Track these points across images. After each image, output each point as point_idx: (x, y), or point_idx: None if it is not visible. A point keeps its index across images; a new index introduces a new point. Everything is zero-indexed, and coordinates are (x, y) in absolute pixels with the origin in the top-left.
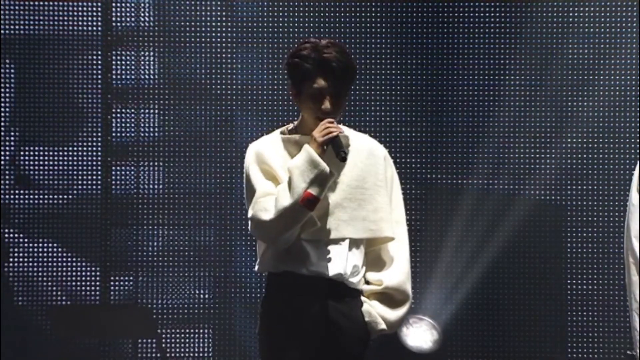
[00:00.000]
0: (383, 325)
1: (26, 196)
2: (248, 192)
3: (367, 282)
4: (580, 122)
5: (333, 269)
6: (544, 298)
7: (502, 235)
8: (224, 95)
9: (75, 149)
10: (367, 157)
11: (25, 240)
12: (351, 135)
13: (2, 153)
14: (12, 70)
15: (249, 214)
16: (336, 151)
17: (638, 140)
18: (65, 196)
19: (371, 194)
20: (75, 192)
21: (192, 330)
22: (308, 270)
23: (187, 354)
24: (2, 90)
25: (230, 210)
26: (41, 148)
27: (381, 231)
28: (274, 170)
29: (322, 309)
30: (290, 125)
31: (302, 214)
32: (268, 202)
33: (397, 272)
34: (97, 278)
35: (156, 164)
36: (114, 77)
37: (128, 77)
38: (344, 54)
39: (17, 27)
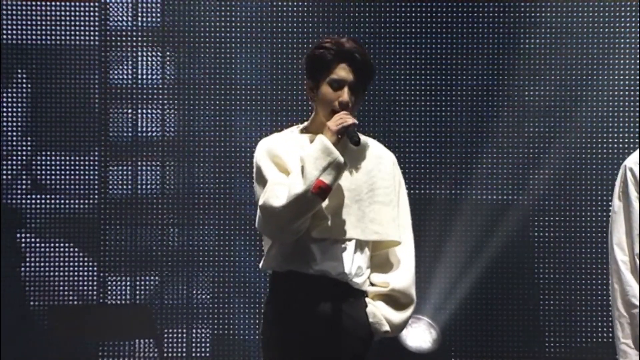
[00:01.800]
0: (387, 327)
1: (23, 197)
2: (259, 184)
3: (372, 284)
4: (579, 127)
5: (338, 269)
6: (538, 299)
7: (498, 238)
8: (223, 95)
9: (71, 150)
10: (377, 161)
11: (23, 240)
12: (361, 139)
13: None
14: (8, 74)
15: (260, 202)
16: (350, 137)
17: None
18: (63, 196)
19: (379, 197)
20: (73, 192)
21: (191, 330)
22: (313, 270)
23: (186, 354)
24: (4, 96)
25: (230, 210)
26: (36, 149)
27: (388, 235)
28: (286, 164)
29: (326, 309)
30: (301, 125)
31: (314, 203)
32: (279, 189)
33: (404, 275)
34: (96, 278)
35: (155, 164)
36: (111, 77)
37: (126, 77)
38: (364, 49)
39: (13, 31)
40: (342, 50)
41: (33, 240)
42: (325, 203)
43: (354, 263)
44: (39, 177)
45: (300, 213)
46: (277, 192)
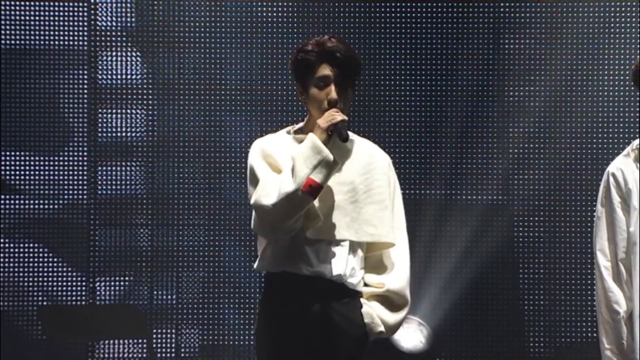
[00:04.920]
0: (382, 328)
1: (14, 197)
2: (252, 184)
3: (367, 285)
4: (571, 128)
5: (332, 271)
6: (530, 299)
7: (489, 239)
8: (213, 95)
9: (62, 149)
10: (371, 162)
11: (14, 242)
12: (356, 140)
13: None
14: None
15: (252, 201)
16: (338, 132)
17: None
18: (52, 197)
19: (374, 198)
20: (63, 193)
21: (181, 330)
22: (308, 271)
23: (176, 354)
24: None
25: (220, 210)
26: (29, 149)
27: (382, 236)
28: (279, 163)
29: (321, 309)
30: (296, 126)
31: (304, 201)
32: (270, 188)
33: (399, 277)
34: (86, 279)
35: (144, 164)
36: (100, 77)
37: (115, 77)
38: (346, 45)
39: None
40: (324, 51)
41: (23, 242)
42: (318, 204)
43: (348, 264)
44: (22, 178)
45: (291, 211)
46: (268, 191)
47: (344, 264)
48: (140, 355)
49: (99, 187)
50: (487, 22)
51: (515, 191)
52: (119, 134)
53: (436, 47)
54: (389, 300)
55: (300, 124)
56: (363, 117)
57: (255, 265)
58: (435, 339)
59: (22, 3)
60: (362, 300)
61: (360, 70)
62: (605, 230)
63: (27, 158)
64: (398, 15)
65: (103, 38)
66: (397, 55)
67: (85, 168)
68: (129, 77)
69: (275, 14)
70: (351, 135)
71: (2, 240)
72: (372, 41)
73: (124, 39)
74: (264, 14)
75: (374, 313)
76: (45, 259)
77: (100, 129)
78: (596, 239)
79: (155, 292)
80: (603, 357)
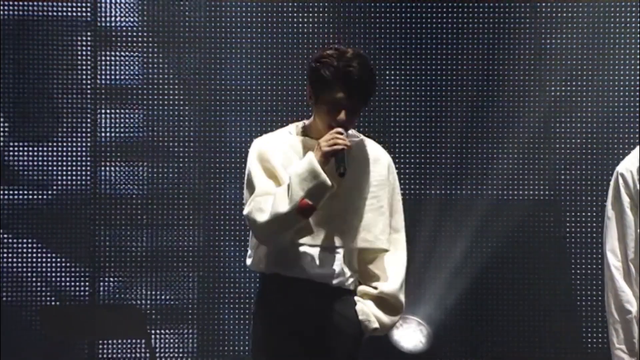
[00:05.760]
0: (376, 325)
1: (13, 195)
2: (248, 189)
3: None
4: (576, 125)
5: (324, 276)
6: (532, 299)
7: (492, 236)
8: (213, 96)
9: (63, 148)
10: (370, 165)
11: (13, 240)
12: (356, 143)
13: None
14: None
15: (245, 212)
16: (337, 165)
17: (638, 141)
18: (53, 196)
19: (371, 204)
20: (63, 191)
21: (181, 330)
22: (300, 274)
23: (176, 354)
24: None
25: (219, 211)
26: (28, 148)
27: (377, 243)
28: (275, 169)
29: (316, 307)
30: (301, 124)
31: (296, 222)
32: (265, 202)
33: (393, 281)
34: (86, 278)
35: (144, 164)
36: (102, 76)
37: (116, 76)
38: (367, 68)
39: (3, 24)
40: (344, 74)
41: (22, 240)
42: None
43: (341, 269)
44: (23, 178)
45: (282, 229)
46: (262, 205)
47: (335, 270)
48: (140, 355)
49: (100, 187)
50: (487, 22)
51: (518, 188)
52: (120, 134)
53: (437, 45)
54: (383, 301)
55: (306, 122)
56: (364, 117)
57: (248, 263)
58: (436, 339)
59: (25, 2)
60: (356, 297)
61: (374, 91)
62: (616, 231)
63: (29, 156)
64: (399, 14)
65: (104, 37)
66: (398, 52)
67: (86, 168)
68: (129, 76)
69: (275, 14)
70: (352, 132)
71: (3, 241)
72: (372, 40)
73: (126, 38)
74: (264, 14)
75: (368, 310)
76: (46, 259)
77: (101, 129)
78: (607, 239)
79: (155, 292)
80: (613, 357)
